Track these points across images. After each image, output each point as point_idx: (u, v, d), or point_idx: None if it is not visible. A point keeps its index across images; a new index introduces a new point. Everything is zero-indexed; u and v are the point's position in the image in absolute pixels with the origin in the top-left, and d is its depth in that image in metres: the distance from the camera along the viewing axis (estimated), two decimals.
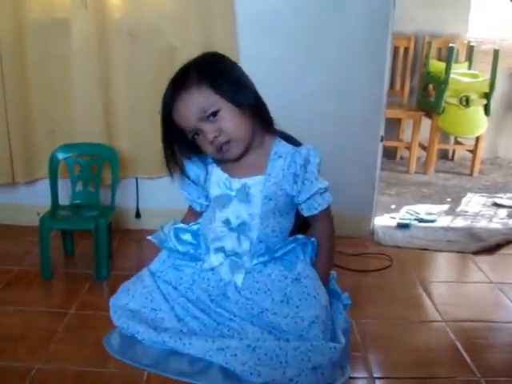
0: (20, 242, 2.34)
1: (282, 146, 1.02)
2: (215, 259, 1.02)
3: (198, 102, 0.95)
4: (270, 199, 1.00)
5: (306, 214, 1.03)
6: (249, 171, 1.01)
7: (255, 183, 1.00)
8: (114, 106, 2.33)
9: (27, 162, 2.39)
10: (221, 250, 1.02)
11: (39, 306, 1.86)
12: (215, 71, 0.98)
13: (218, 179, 1.02)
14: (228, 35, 2.21)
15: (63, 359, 1.55)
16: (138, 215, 2.54)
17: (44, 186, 2.26)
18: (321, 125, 2.30)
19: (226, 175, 1.01)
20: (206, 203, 1.07)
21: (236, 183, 1.00)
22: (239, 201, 1.00)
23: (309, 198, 1.01)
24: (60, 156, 2.17)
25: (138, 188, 2.50)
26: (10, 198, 2.49)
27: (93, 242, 2.02)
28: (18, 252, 2.26)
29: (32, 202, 2.43)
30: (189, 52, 2.25)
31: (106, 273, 2.05)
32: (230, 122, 0.96)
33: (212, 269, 1.03)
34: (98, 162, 2.21)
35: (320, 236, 1.05)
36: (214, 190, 1.03)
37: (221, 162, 1.04)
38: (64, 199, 2.23)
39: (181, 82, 0.97)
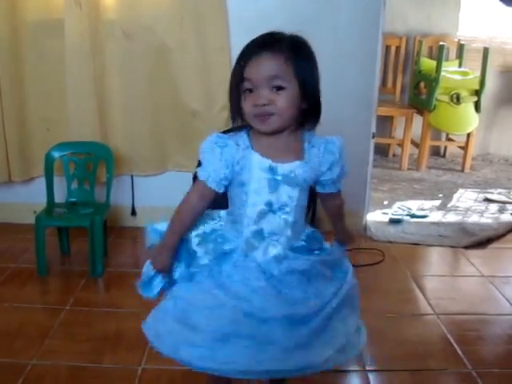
0: (17, 240, 2.34)
1: (312, 136, 1.09)
2: (254, 242, 1.06)
3: (277, 69, 0.99)
4: (306, 181, 1.07)
5: (331, 191, 1.15)
6: (288, 157, 1.05)
7: (296, 168, 1.05)
8: (109, 105, 2.34)
9: (23, 160, 2.40)
10: (259, 233, 1.07)
11: (35, 303, 1.87)
12: (305, 58, 1.03)
13: (260, 165, 1.04)
14: (220, 34, 2.23)
15: (58, 355, 1.56)
16: (133, 213, 2.55)
17: (40, 184, 2.27)
18: None
19: (269, 161, 1.03)
20: (225, 185, 1.07)
21: (281, 168, 1.04)
22: (284, 184, 1.05)
23: (338, 179, 1.13)
24: (55, 154, 2.18)
25: (133, 186, 2.52)
26: (6, 197, 2.50)
27: (88, 239, 2.03)
28: (15, 250, 2.27)
29: (28, 200, 2.44)
30: (182, 51, 2.31)
31: (101, 270, 2.06)
32: (285, 103, 1.00)
33: (246, 255, 1.06)
34: (93, 160, 2.22)
35: (340, 209, 1.22)
36: (257, 175, 1.04)
37: (256, 137, 1.06)
38: (60, 197, 2.24)
39: (273, 43, 1.00)
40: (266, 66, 0.98)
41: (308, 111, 1.06)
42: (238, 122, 1.07)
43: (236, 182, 1.06)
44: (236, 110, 1.04)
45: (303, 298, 1.04)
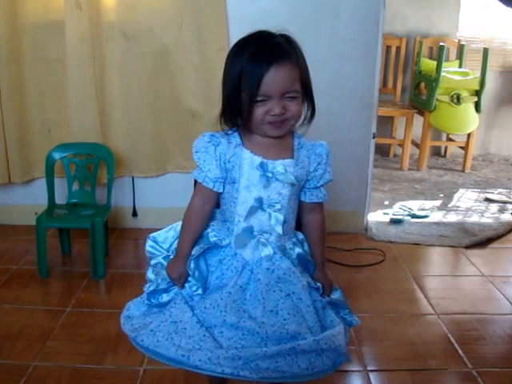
0: (18, 242, 2.35)
1: (301, 138, 1.10)
2: (244, 238, 1.07)
3: (291, 82, 1.00)
4: (297, 181, 1.07)
5: (314, 200, 1.12)
6: (279, 154, 1.06)
7: (288, 165, 1.06)
8: (109, 106, 2.35)
9: (23, 162, 2.41)
10: (248, 230, 1.07)
11: (36, 304, 1.88)
12: (302, 59, 1.04)
13: (250, 161, 1.04)
14: (220, 35, 2.23)
15: (60, 356, 1.56)
16: (134, 214, 2.56)
17: (41, 185, 2.27)
18: (313, 122, 2.33)
19: (260, 158, 1.04)
20: (223, 183, 1.08)
21: (271, 165, 1.04)
22: (276, 181, 1.05)
23: (319, 186, 1.11)
24: (56, 156, 2.19)
25: (134, 187, 2.52)
26: (7, 199, 2.51)
27: (89, 241, 2.03)
28: (16, 251, 2.27)
29: (29, 201, 2.45)
30: (182, 52, 2.31)
31: (102, 271, 2.06)
32: (297, 109, 1.03)
33: (235, 253, 1.07)
34: (93, 162, 2.23)
35: (321, 224, 1.16)
36: (247, 172, 1.05)
37: (248, 136, 1.06)
38: (60, 198, 2.24)
39: (284, 53, 1.00)
40: (283, 83, 0.99)
41: (308, 113, 1.07)
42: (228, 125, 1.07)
43: (228, 180, 1.07)
44: (241, 116, 1.03)
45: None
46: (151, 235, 1.19)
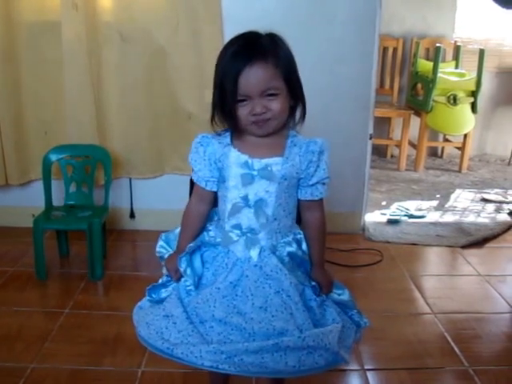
0: (15, 244, 2.35)
1: (296, 137, 1.10)
2: (232, 235, 1.08)
3: (269, 81, 1.00)
4: (286, 179, 1.07)
5: (308, 198, 1.11)
6: (267, 152, 1.06)
7: (274, 163, 1.06)
8: (106, 107, 2.35)
9: (20, 163, 2.40)
10: (237, 227, 1.08)
11: (34, 306, 1.88)
12: (287, 58, 1.04)
13: (237, 160, 1.06)
14: (215, 36, 2.24)
15: (58, 358, 1.56)
16: (132, 215, 2.56)
17: (38, 187, 2.27)
18: (310, 123, 2.33)
19: (246, 156, 1.05)
20: (216, 182, 1.11)
21: (257, 163, 1.05)
22: (261, 179, 1.05)
23: (315, 184, 1.10)
24: (53, 157, 2.19)
25: (131, 189, 2.52)
26: (3, 201, 2.51)
27: (87, 242, 2.03)
28: (13, 253, 2.27)
29: (26, 203, 2.44)
30: (179, 53, 2.31)
31: (100, 272, 2.06)
32: (280, 107, 1.03)
33: (228, 250, 1.09)
34: (90, 163, 2.23)
35: (317, 223, 1.14)
36: (234, 170, 1.06)
37: (239, 135, 1.08)
38: (58, 200, 2.24)
39: (258, 54, 1.00)
40: (259, 81, 0.99)
41: (294, 107, 1.08)
42: (221, 126, 1.09)
43: (220, 179, 1.10)
44: (229, 117, 1.04)
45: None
46: (163, 234, 1.22)
